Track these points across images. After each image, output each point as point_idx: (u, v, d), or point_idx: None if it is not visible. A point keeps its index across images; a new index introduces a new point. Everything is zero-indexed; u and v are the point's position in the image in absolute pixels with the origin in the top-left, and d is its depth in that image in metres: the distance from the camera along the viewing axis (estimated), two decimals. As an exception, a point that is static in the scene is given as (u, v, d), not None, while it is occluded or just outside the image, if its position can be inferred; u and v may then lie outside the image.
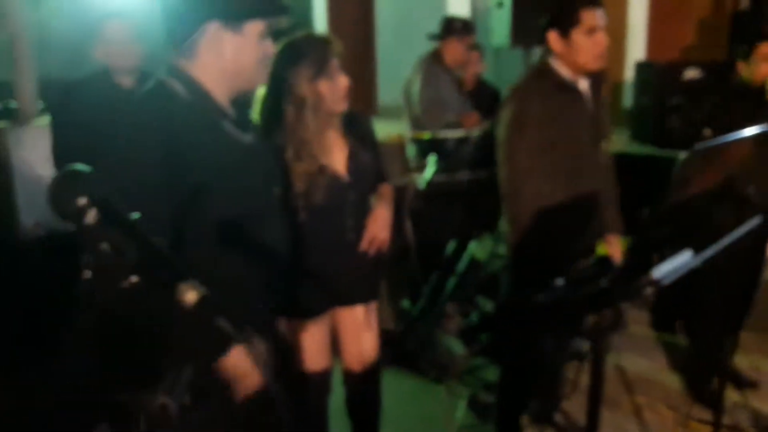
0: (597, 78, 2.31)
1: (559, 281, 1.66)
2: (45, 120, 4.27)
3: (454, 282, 3.54)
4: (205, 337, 1.37)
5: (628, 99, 5.27)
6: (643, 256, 1.45)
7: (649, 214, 2.20)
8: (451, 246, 3.55)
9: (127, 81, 2.81)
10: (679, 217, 1.53)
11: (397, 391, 2.58)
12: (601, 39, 2.17)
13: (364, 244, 2.10)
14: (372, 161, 2.16)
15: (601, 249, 2.99)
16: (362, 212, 2.12)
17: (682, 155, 3.65)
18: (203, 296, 0.91)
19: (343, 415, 2.39)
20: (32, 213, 4.15)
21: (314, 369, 2.18)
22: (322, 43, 1.99)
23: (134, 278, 0.90)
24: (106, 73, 2.80)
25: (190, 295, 0.91)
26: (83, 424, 2.68)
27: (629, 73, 5.07)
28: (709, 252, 1.41)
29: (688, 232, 1.50)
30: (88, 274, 2.51)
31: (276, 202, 1.76)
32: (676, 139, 4.03)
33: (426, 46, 4.06)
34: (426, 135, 3.41)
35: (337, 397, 2.37)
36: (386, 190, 2.24)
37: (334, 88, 1.98)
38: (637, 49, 5.46)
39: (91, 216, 0.93)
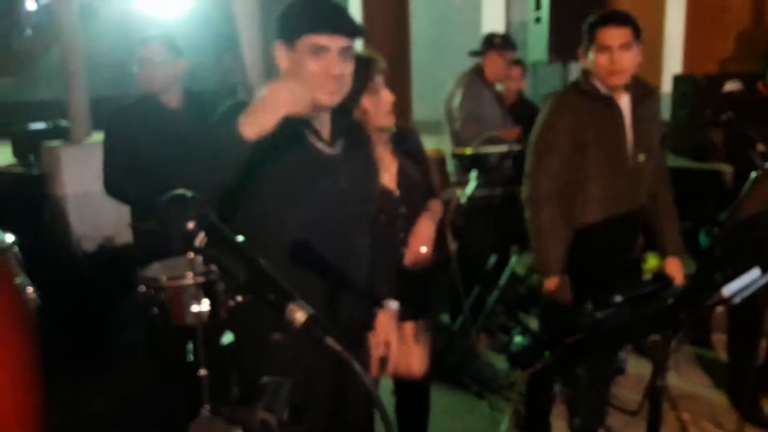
0: (642, 94, 2.35)
1: (618, 297, 1.66)
2: (95, 138, 4.40)
3: (495, 297, 3.55)
4: (307, 354, 1.42)
5: (665, 112, 5.23)
6: (706, 275, 1.45)
7: (708, 231, 2.20)
8: (492, 260, 3.56)
9: (173, 101, 2.85)
10: (744, 234, 1.53)
11: (438, 406, 2.58)
12: (612, 57, 2.21)
13: (407, 260, 2.15)
14: (421, 176, 2.22)
15: (652, 263, 2.98)
16: (413, 226, 2.17)
17: (723, 167, 3.62)
18: (311, 315, 0.93)
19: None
20: (83, 227, 4.28)
21: None
22: (364, 60, 2.03)
23: (239, 298, 0.94)
24: (152, 95, 2.84)
25: (299, 315, 0.93)
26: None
27: (666, 86, 5.03)
28: None
29: (753, 250, 1.50)
30: (142, 287, 2.54)
31: (350, 215, 1.77)
32: (717, 153, 4.00)
33: (461, 62, 4.09)
34: (468, 150, 3.44)
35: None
36: (434, 205, 2.28)
37: (379, 104, 2.04)
38: (673, 61, 5.43)
39: (200, 239, 0.97)
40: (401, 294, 2.17)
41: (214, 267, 0.99)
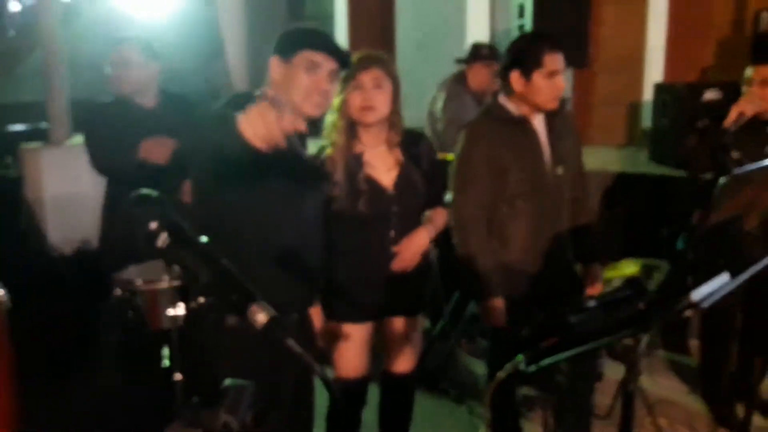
0: (555, 111, 2.39)
1: (591, 302, 1.68)
2: (76, 140, 4.38)
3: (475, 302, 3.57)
4: (269, 357, 1.44)
5: (646, 120, 5.28)
6: (678, 279, 1.46)
7: (686, 237, 2.21)
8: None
9: (148, 102, 2.84)
10: (714, 240, 1.55)
11: (418, 410, 2.59)
12: (560, 82, 2.28)
13: (395, 265, 2.20)
14: (422, 181, 2.26)
15: (629, 269, 2.99)
16: (406, 227, 2.22)
17: (713, 178, 3.63)
18: (273, 317, 0.93)
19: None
20: (61, 231, 4.25)
21: (348, 375, 2.28)
22: (355, 59, 2.13)
23: (201, 299, 0.94)
24: (122, 97, 2.82)
25: (261, 316, 0.93)
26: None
27: (647, 95, 5.08)
28: (745, 275, 1.42)
29: (723, 255, 1.52)
30: (117, 291, 2.53)
31: (312, 210, 1.94)
32: (696, 161, 4.02)
33: (446, 68, 4.11)
34: (450, 156, 3.44)
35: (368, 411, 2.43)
36: (437, 214, 2.32)
37: (355, 99, 2.13)
38: (655, 70, 5.47)
39: (162, 239, 0.97)
40: (396, 292, 2.24)
41: (176, 267, 0.99)
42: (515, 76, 2.28)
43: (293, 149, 1.84)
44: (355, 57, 2.12)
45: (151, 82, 2.83)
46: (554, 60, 2.25)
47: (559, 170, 2.41)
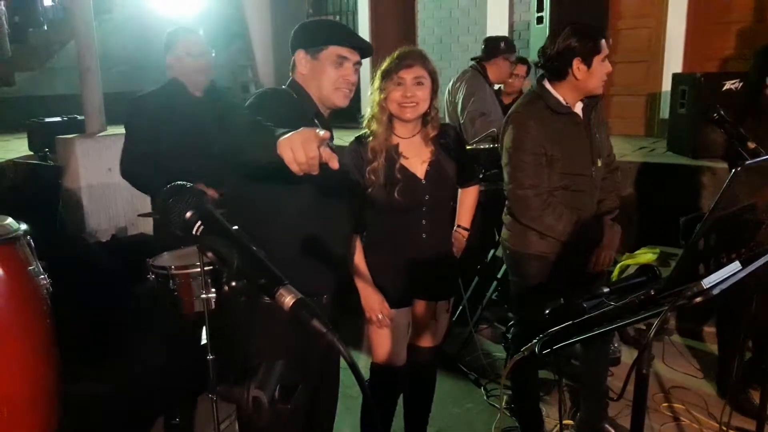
0: (591, 100, 2.42)
1: (604, 289, 1.73)
2: (109, 131, 4.50)
3: (493, 288, 3.64)
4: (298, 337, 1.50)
5: (665, 110, 5.28)
6: (690, 266, 1.49)
7: (698, 225, 2.23)
8: (491, 253, 3.64)
9: (198, 90, 2.88)
10: (726, 228, 1.56)
11: (437, 393, 2.66)
12: (609, 65, 2.31)
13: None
14: (454, 169, 2.32)
15: (645, 258, 3.04)
16: (436, 216, 2.30)
17: (721, 166, 3.63)
18: (299, 299, 0.97)
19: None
20: (97, 218, 4.39)
21: (383, 360, 2.35)
22: (397, 56, 2.22)
23: (234, 283, 0.98)
24: (177, 83, 2.85)
25: (288, 299, 0.97)
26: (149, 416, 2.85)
27: (666, 86, 5.07)
28: (757, 263, 1.42)
29: (735, 244, 1.54)
30: (152, 276, 2.61)
31: (345, 196, 2.00)
32: (714, 151, 4.05)
33: (466, 60, 4.16)
34: (468, 146, 3.51)
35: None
36: (468, 199, 2.50)
37: (395, 95, 2.19)
38: (674, 61, 5.46)
39: (197, 228, 1.03)
40: (427, 278, 2.30)
41: (210, 254, 1.03)
42: (577, 64, 2.29)
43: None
44: (396, 53, 2.20)
45: (209, 71, 2.88)
46: (605, 44, 2.29)
47: (599, 163, 2.44)
